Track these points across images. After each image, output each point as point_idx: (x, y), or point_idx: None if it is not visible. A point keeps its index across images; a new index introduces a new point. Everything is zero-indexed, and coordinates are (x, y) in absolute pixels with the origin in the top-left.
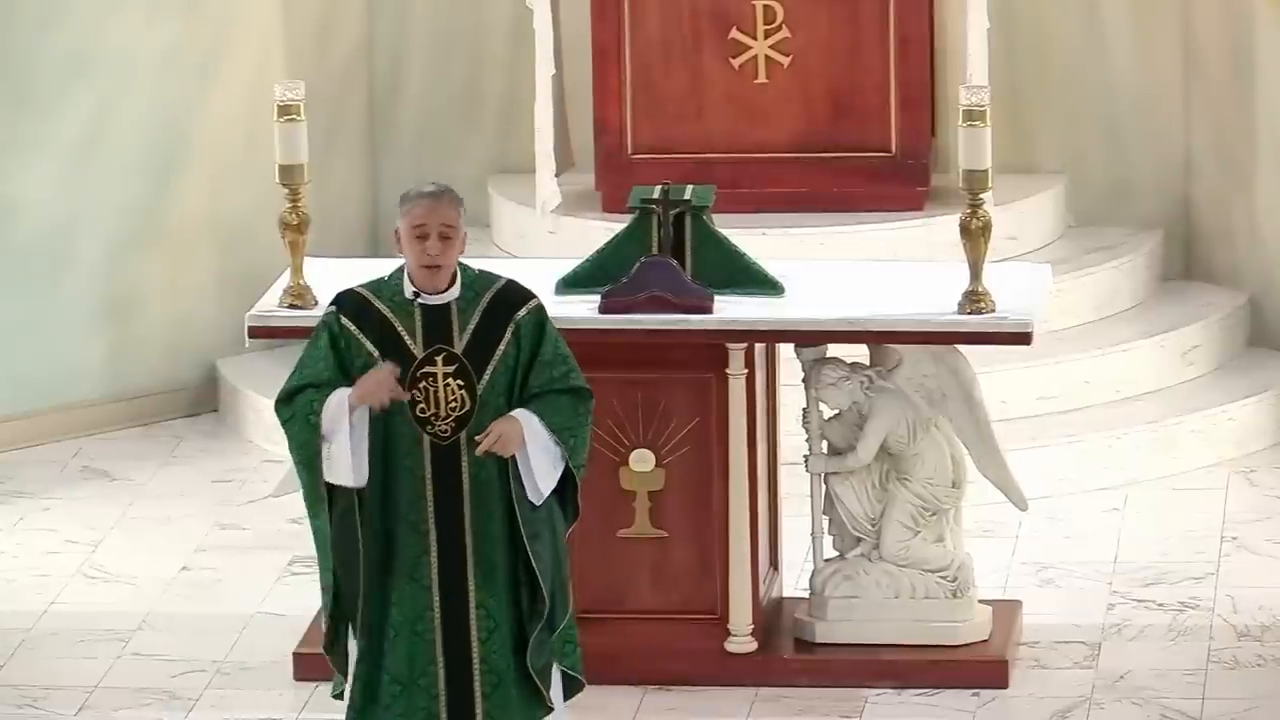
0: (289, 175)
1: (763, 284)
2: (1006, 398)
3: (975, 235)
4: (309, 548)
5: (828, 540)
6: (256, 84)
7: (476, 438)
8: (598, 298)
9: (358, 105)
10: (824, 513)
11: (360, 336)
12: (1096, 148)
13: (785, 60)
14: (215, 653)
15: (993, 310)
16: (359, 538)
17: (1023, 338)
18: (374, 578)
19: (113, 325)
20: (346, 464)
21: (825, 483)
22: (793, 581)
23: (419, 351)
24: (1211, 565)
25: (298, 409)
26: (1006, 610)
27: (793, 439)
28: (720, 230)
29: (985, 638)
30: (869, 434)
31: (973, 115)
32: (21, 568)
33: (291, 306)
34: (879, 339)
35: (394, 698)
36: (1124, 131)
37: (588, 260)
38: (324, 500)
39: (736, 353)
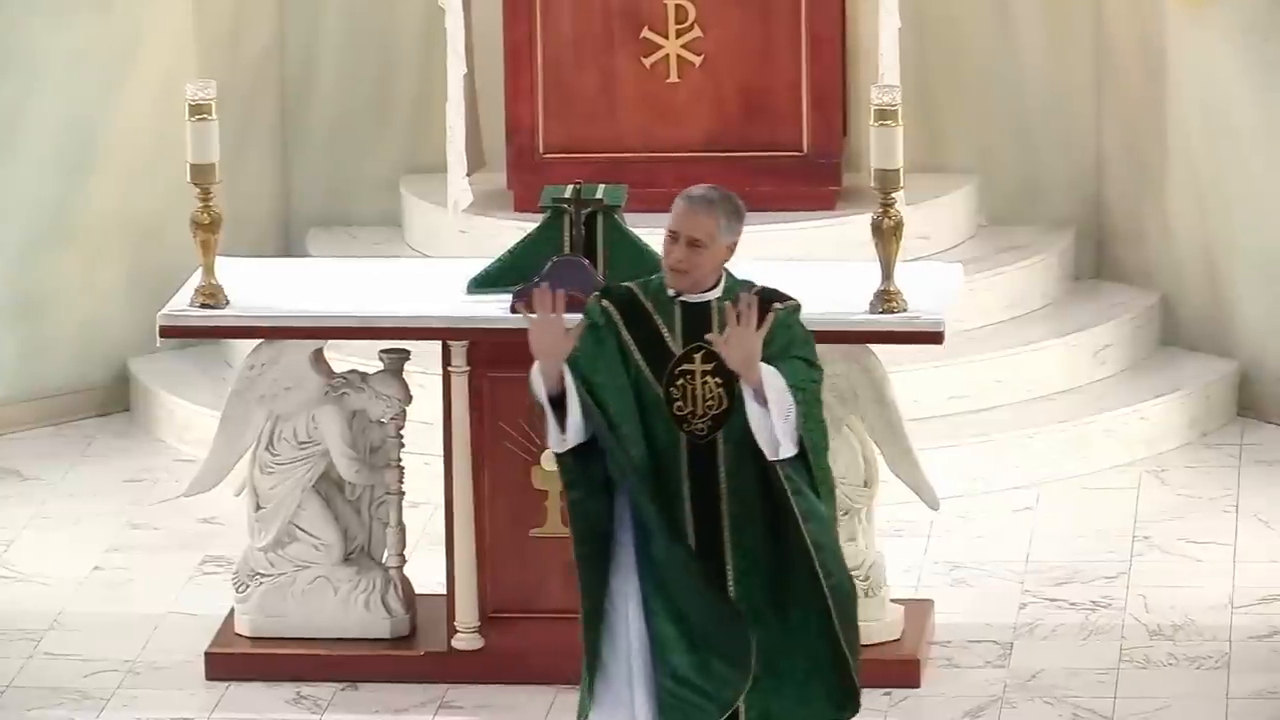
0: (200, 174)
1: None
2: (918, 397)
3: (887, 234)
4: (220, 547)
5: None
6: (168, 83)
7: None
8: (509, 297)
9: (269, 105)
10: None
11: (620, 324)
12: (1008, 147)
13: (697, 60)
14: (127, 652)
15: (904, 309)
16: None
17: (934, 337)
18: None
19: (23, 324)
20: (550, 429)
21: None
22: None
23: (677, 348)
24: (1123, 564)
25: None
26: (918, 609)
27: None
28: (632, 230)
29: (897, 637)
30: None
31: (884, 115)
32: None
33: (203, 306)
34: None
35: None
36: (1035, 131)
37: (499, 260)
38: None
39: None
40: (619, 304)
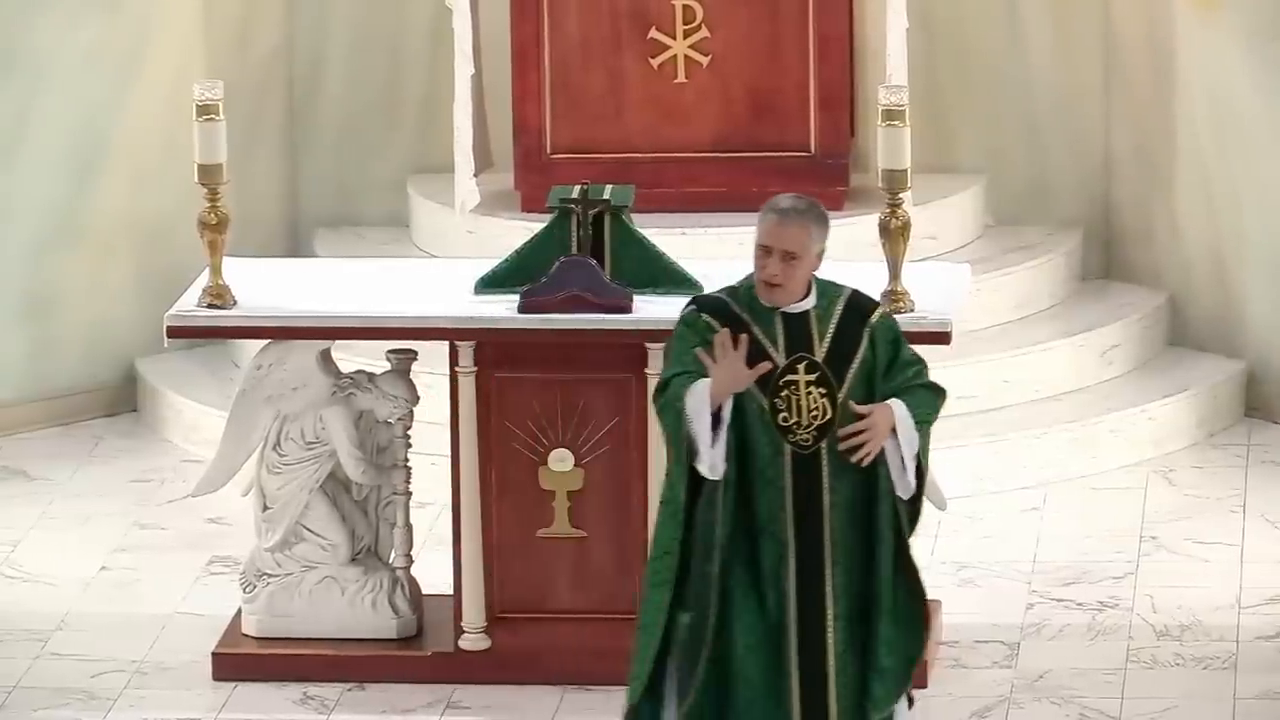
0: (208, 175)
1: (682, 283)
2: None
3: (894, 235)
4: (228, 548)
5: None
6: (177, 84)
7: (841, 439)
8: (517, 297)
9: (277, 105)
10: None
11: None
12: (1016, 147)
13: (704, 60)
14: (134, 653)
15: (912, 310)
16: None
17: (942, 337)
18: (728, 586)
19: (32, 325)
20: (706, 456)
21: None
22: None
23: (781, 359)
24: (1130, 565)
25: (668, 397)
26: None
27: None
28: (639, 230)
29: None
30: None
31: (892, 115)
32: None
33: (210, 306)
34: None
35: (748, 704)
36: (1044, 131)
37: (507, 260)
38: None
39: (656, 352)
40: (718, 315)
